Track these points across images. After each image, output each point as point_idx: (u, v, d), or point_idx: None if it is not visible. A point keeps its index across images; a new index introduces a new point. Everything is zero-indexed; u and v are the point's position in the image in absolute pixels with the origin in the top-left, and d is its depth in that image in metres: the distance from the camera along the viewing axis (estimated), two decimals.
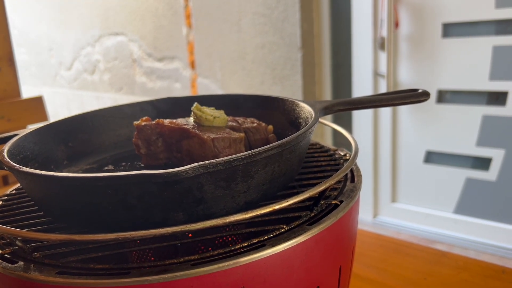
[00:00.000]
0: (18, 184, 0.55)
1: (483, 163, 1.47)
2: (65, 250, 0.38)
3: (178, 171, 0.33)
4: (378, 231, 1.57)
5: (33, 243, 0.39)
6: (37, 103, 1.27)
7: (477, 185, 1.48)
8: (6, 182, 1.17)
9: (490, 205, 1.46)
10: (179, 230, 0.33)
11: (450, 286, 0.64)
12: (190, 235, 0.41)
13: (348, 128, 1.75)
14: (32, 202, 0.47)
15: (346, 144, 0.53)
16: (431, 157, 1.59)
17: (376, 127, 1.66)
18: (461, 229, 1.52)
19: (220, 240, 0.51)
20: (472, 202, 1.50)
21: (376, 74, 1.62)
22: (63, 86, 2.72)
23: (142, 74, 2.24)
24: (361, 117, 1.67)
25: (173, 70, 2.10)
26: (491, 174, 1.44)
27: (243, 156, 0.36)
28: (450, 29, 1.46)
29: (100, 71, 2.45)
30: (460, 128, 1.48)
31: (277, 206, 0.36)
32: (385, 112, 1.62)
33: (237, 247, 0.36)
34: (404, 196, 1.67)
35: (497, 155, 1.42)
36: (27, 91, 1.99)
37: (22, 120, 1.23)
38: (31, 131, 0.49)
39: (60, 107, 2.76)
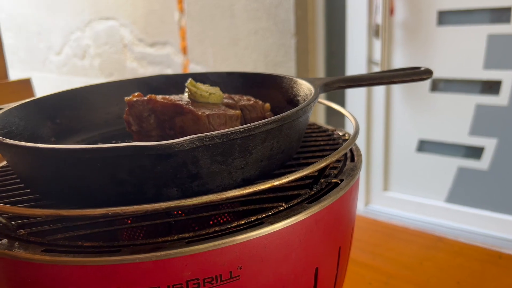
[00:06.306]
0: (2, 163, 0.53)
1: (475, 152, 1.47)
2: (52, 228, 0.36)
3: (172, 143, 0.31)
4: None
5: (18, 220, 0.37)
6: (25, 85, 1.23)
7: (469, 174, 1.48)
8: None
9: (482, 194, 1.46)
10: (173, 205, 0.32)
11: (446, 271, 0.64)
12: (183, 214, 0.39)
13: (340, 116, 1.74)
14: (18, 180, 0.44)
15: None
16: (423, 146, 1.58)
17: (369, 115, 1.65)
18: (453, 218, 1.52)
19: (215, 220, 0.50)
20: (463, 191, 1.51)
21: (370, 62, 1.61)
22: (52, 71, 2.67)
23: (133, 60, 2.20)
24: (354, 105, 1.66)
25: (164, 56, 2.07)
26: (483, 163, 1.44)
27: (241, 130, 0.34)
28: (445, 17, 1.45)
29: (90, 56, 2.41)
30: (453, 117, 1.47)
31: (276, 182, 0.34)
32: (378, 100, 1.60)
33: (234, 224, 0.34)
34: (396, 184, 1.67)
35: (489, 144, 1.42)
36: (15, 76, 1.94)
37: (9, 103, 1.19)
38: (17, 106, 0.47)
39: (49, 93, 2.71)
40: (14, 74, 2.30)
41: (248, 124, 0.34)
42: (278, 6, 1.68)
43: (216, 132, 0.33)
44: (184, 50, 2.00)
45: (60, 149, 0.31)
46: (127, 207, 0.31)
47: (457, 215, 1.50)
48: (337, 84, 0.47)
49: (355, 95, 1.65)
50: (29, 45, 2.78)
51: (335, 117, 1.87)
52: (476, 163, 1.44)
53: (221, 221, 0.51)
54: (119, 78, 2.39)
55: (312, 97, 0.41)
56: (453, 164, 1.50)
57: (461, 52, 1.42)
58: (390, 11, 1.51)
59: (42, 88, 2.70)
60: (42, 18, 2.62)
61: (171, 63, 2.05)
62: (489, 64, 1.38)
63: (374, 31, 1.57)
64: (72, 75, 2.55)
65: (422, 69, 0.47)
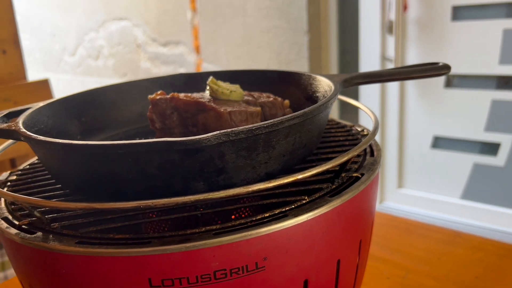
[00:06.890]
0: (31, 160, 0.54)
1: (491, 148, 1.46)
2: (84, 221, 0.37)
3: (200, 138, 0.33)
4: None
5: (51, 214, 0.38)
6: (43, 86, 1.26)
7: (485, 171, 1.47)
8: (13, 165, 1.17)
9: (498, 191, 1.45)
10: (201, 198, 0.33)
11: (465, 265, 0.64)
12: (201, 209, 0.40)
13: (355, 113, 1.74)
14: (48, 176, 0.46)
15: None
16: (438, 143, 1.58)
17: (383, 112, 1.64)
18: (468, 214, 1.51)
19: (236, 214, 0.51)
20: (479, 188, 1.50)
21: (384, 59, 1.61)
22: (67, 72, 2.71)
23: (146, 60, 2.22)
24: (368, 102, 1.66)
25: (177, 55, 2.09)
26: (499, 160, 1.43)
27: (265, 125, 0.35)
28: (459, 12, 1.44)
29: (104, 56, 2.44)
30: (469, 113, 1.46)
31: (300, 176, 0.35)
32: (393, 96, 1.60)
33: (259, 217, 0.36)
34: (410, 181, 1.66)
35: (505, 140, 1.41)
36: (31, 77, 1.98)
37: (29, 103, 1.22)
38: (45, 105, 0.48)
39: (64, 93, 2.75)
40: (30, 75, 2.34)
41: (272, 120, 0.35)
42: (291, 4, 1.69)
43: (241, 127, 0.34)
44: (197, 49, 2.02)
45: (94, 145, 0.33)
46: (158, 200, 0.32)
47: (473, 212, 1.50)
48: (356, 80, 0.48)
49: (369, 91, 1.65)
50: (44, 46, 2.82)
51: (350, 114, 1.87)
52: (492, 160, 1.44)
53: (243, 215, 0.53)
54: (133, 78, 2.41)
55: (333, 92, 0.42)
56: (468, 160, 1.49)
57: (476, 47, 1.41)
58: (403, 7, 1.51)
59: (58, 89, 2.74)
60: (57, 19, 2.66)
61: (184, 62, 2.07)
62: (505, 59, 1.37)
63: (388, 27, 1.57)
64: (87, 76, 2.59)
65: (440, 64, 0.48)
